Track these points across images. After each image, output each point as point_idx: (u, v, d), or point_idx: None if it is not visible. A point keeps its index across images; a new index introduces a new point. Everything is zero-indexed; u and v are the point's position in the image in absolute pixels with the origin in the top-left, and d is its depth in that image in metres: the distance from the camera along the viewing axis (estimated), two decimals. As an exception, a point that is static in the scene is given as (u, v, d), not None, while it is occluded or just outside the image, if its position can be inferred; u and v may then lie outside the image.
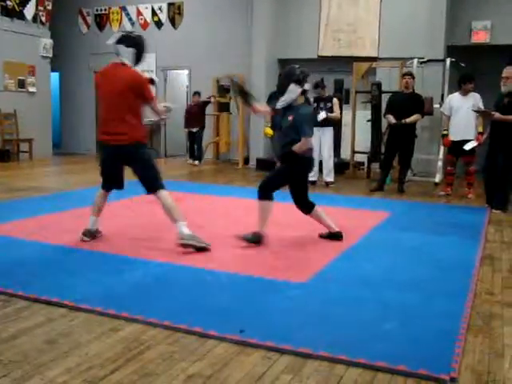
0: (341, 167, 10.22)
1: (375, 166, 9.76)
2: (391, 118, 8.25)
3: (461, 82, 7.84)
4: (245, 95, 5.00)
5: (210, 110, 12.22)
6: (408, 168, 8.78)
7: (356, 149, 10.25)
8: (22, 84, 12.21)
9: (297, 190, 4.98)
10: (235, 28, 12.31)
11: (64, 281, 3.77)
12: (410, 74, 8.43)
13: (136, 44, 4.77)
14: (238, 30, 12.25)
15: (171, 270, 4.08)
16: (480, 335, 3.03)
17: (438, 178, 9.43)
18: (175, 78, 13.98)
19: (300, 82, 4.73)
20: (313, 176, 9.08)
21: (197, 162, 11.84)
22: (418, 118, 8.29)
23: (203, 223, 5.74)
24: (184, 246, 4.58)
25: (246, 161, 11.83)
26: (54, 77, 14.37)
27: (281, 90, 4.82)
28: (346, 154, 10.71)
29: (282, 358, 2.71)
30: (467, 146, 7.60)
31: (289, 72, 4.83)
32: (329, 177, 9.01)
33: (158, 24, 13.47)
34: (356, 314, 3.29)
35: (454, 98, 7.93)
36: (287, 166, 4.89)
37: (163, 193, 4.78)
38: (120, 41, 4.72)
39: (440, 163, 9.56)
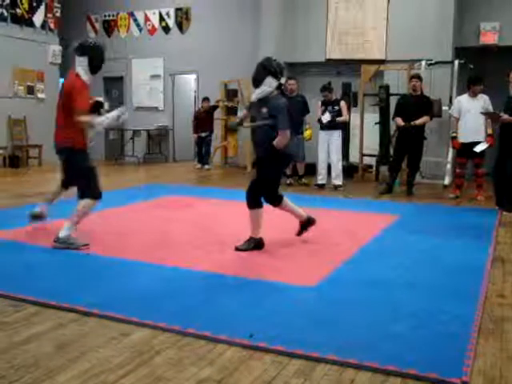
0: (349, 170, 10.21)
1: (384, 169, 9.73)
2: (400, 121, 8.23)
3: (469, 84, 7.81)
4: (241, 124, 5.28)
5: (217, 114, 12.24)
6: (417, 170, 8.75)
7: (364, 152, 10.23)
8: (31, 90, 12.30)
9: (272, 183, 4.94)
10: (242, 32, 12.34)
11: (74, 286, 3.78)
12: (418, 77, 8.41)
13: (88, 53, 4.78)
14: (245, 35, 12.27)
15: (180, 275, 4.08)
16: (491, 338, 3.01)
17: (446, 181, 9.39)
18: (183, 83, 14.03)
19: (276, 74, 4.66)
20: (321, 179, 9.08)
21: (206, 167, 11.85)
22: (427, 120, 8.26)
23: (211, 227, 5.75)
24: (57, 247, 4.74)
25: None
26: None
27: (256, 82, 4.71)
28: (354, 156, 10.69)
29: (292, 362, 2.70)
30: (478, 148, 7.56)
31: (265, 64, 4.71)
32: (337, 180, 9.00)
33: (166, 29, 13.53)
34: (366, 317, 3.27)
35: (463, 100, 7.90)
36: (267, 162, 4.81)
37: (85, 201, 4.87)
38: (75, 49, 4.80)
39: (449, 165, 9.53)
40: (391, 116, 8.88)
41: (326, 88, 8.88)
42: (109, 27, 14.21)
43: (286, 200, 5.01)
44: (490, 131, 7.65)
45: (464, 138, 7.80)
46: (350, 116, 9.90)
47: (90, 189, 4.86)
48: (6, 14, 11.64)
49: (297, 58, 11.58)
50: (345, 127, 9.57)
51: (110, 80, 14.34)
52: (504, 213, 6.76)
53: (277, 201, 4.96)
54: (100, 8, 14.20)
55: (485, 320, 3.27)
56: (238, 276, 4.05)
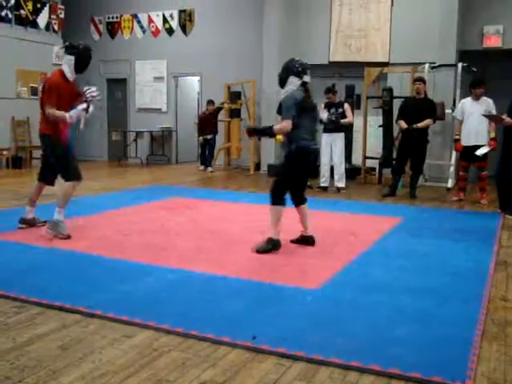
0: (352, 173, 10.20)
1: (387, 172, 9.72)
2: (403, 124, 8.22)
3: (471, 87, 7.82)
4: (261, 132, 5.44)
5: (220, 116, 12.25)
6: (420, 173, 8.74)
7: (367, 154, 10.22)
8: (34, 91, 12.31)
9: (296, 181, 4.95)
10: (246, 34, 12.35)
11: (77, 287, 3.79)
12: (421, 80, 8.41)
13: (76, 53, 5.19)
14: (248, 37, 12.28)
15: (183, 277, 4.09)
16: (495, 342, 3.01)
17: (450, 184, 9.38)
18: (186, 85, 14.05)
19: (299, 73, 4.78)
20: (324, 182, 9.08)
21: (209, 169, 11.85)
22: (430, 122, 8.25)
23: (215, 229, 5.75)
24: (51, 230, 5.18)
25: (257, 167, 11.84)
26: (67, 84, 14.48)
27: (281, 82, 4.88)
28: (357, 159, 10.68)
29: (295, 364, 2.70)
30: (479, 152, 7.55)
31: (288, 64, 4.88)
32: (340, 182, 8.99)
33: (170, 31, 13.54)
34: (369, 320, 3.27)
35: (467, 103, 7.89)
36: (286, 160, 4.86)
37: (66, 183, 5.34)
38: (64, 48, 5.28)
39: (452, 168, 9.51)
40: (394, 119, 8.87)
41: (330, 90, 8.88)
42: (112, 29, 14.23)
43: (305, 207, 5.04)
44: (493, 134, 7.64)
45: (466, 141, 7.80)
46: (353, 118, 9.90)
47: (68, 172, 5.29)
48: (10, 15, 11.66)
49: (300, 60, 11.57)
50: (348, 130, 9.56)
51: (113, 81, 14.37)
52: (507, 216, 6.75)
53: (300, 202, 4.98)
54: (104, 10, 14.22)
55: (488, 323, 3.26)
56: (241, 278, 4.05)
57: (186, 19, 13.33)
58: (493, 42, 10.32)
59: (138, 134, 13.70)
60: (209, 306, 3.45)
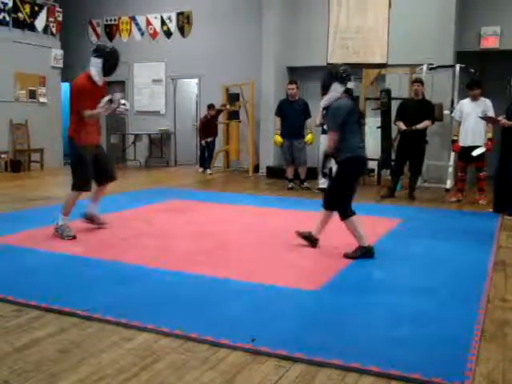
0: (351, 174, 10.18)
1: (385, 173, 9.73)
2: (401, 125, 8.23)
3: (467, 88, 7.84)
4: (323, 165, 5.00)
5: (219, 118, 12.26)
6: (419, 174, 8.74)
7: (366, 156, 10.21)
8: (33, 94, 12.31)
9: (333, 188, 4.84)
10: (244, 36, 12.35)
11: (75, 290, 3.78)
12: (420, 81, 8.41)
13: (104, 55, 5.20)
14: (247, 39, 12.29)
15: (183, 279, 4.08)
16: (494, 342, 3.01)
17: (448, 184, 9.39)
18: (184, 87, 14.05)
19: (343, 80, 4.64)
20: (323, 183, 9.08)
21: (208, 171, 11.84)
22: (428, 124, 8.26)
23: (214, 231, 5.74)
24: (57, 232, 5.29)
25: (256, 169, 11.84)
26: (65, 87, 14.48)
27: (323, 89, 4.74)
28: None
29: (295, 366, 2.70)
30: (475, 152, 7.58)
31: (331, 70, 4.76)
32: (339, 184, 8.98)
33: (167, 33, 13.55)
34: (368, 321, 3.27)
35: (465, 104, 7.91)
36: (339, 171, 4.73)
37: (72, 192, 5.38)
38: (93, 51, 5.26)
39: (451, 169, 9.52)
40: (393, 120, 8.88)
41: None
42: (110, 31, 14.24)
43: (356, 219, 4.75)
44: (490, 135, 7.65)
45: (464, 141, 7.82)
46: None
47: (75, 180, 5.35)
48: (7, 18, 11.65)
49: (298, 62, 11.60)
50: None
51: (111, 84, 14.33)
52: (506, 217, 6.75)
53: (346, 215, 4.75)
54: (102, 12, 14.23)
55: (487, 324, 3.27)
56: (240, 280, 4.05)
57: (184, 21, 13.34)
58: (490, 42, 10.35)
59: (137, 137, 13.71)
60: (208, 308, 3.45)
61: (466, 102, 7.92)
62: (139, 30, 13.88)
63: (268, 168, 11.45)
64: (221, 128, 12.41)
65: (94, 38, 14.44)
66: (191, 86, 14.04)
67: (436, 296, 3.76)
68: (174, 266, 4.40)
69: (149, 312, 3.37)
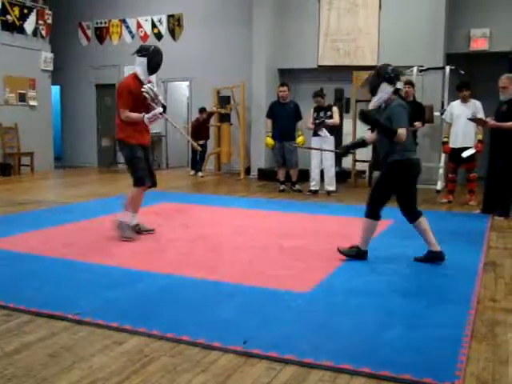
0: (342, 176, 10.23)
1: (377, 175, 9.74)
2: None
3: (457, 90, 7.90)
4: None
5: (211, 121, 12.25)
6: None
7: (357, 157, 10.26)
8: (22, 98, 12.25)
9: (400, 195, 4.70)
10: (235, 39, 12.36)
11: (66, 294, 3.77)
12: (410, 83, 8.45)
13: (148, 54, 5.35)
14: (237, 41, 12.30)
15: (174, 282, 4.07)
16: (484, 342, 3.02)
17: (439, 186, 9.43)
18: (175, 90, 14.03)
19: (392, 80, 4.55)
20: (314, 185, 9.10)
21: (200, 174, 11.83)
22: (419, 125, 8.30)
23: (206, 234, 5.74)
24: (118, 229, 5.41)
25: (248, 171, 11.84)
26: (55, 90, 14.44)
27: (372, 90, 4.67)
28: (347, 162, 10.71)
29: (286, 368, 2.70)
30: (465, 154, 7.62)
31: (379, 71, 4.68)
32: (330, 186, 9.01)
33: (158, 36, 13.53)
34: (359, 322, 3.28)
35: (455, 106, 7.95)
36: (386, 172, 4.65)
37: (132, 189, 5.48)
38: (137, 51, 5.43)
39: (441, 171, 9.57)
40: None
41: (318, 94, 8.92)
42: (101, 34, 14.20)
43: (422, 222, 4.68)
44: (480, 137, 7.70)
45: (454, 143, 7.87)
46: (341, 121, 9.94)
47: (134, 178, 5.43)
48: (-3, 21, 11.62)
49: (289, 64, 11.62)
50: (337, 133, 9.60)
51: (102, 87, 14.32)
52: (495, 217, 6.79)
53: (412, 218, 4.68)
54: (92, 15, 14.18)
55: (478, 324, 3.28)
56: (232, 283, 4.05)
57: (175, 24, 13.33)
58: (479, 44, 10.42)
59: (128, 140, 13.65)
60: (200, 311, 3.44)
61: (456, 103, 7.96)
62: (129, 32, 13.85)
63: (259, 170, 11.46)
64: (212, 131, 12.40)
65: (84, 41, 14.41)
66: (182, 88, 14.03)
67: (427, 297, 3.77)
68: (166, 269, 4.39)
69: (140, 315, 3.36)
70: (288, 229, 6.11)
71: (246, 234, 5.81)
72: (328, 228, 6.20)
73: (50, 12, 12.89)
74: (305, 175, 9.91)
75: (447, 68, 9.73)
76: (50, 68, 12.94)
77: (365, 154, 10.17)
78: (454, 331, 3.12)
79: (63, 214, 6.97)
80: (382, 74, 4.59)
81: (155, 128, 13.65)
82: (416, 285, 4.07)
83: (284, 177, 9.48)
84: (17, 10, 12.03)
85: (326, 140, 8.86)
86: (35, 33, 12.52)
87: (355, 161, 10.28)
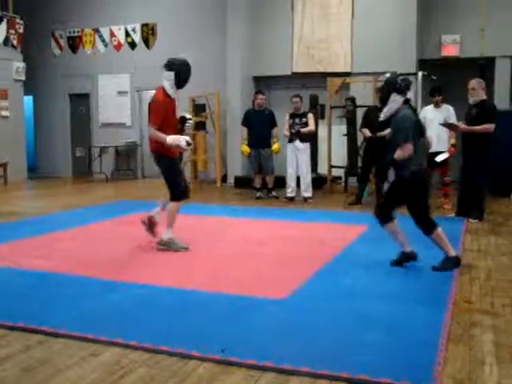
0: (318, 182, 10.27)
1: (352, 180, 9.82)
2: (367, 132, 8.34)
3: (429, 95, 8.01)
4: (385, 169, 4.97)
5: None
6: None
7: (333, 163, 10.31)
8: (-5, 108, 12.09)
9: (411, 207, 4.69)
10: (209, 47, 12.37)
11: (41, 306, 3.70)
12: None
13: (175, 68, 5.26)
14: (212, 49, 12.30)
15: (150, 292, 4.03)
16: (461, 344, 3.05)
17: (414, 190, 9.50)
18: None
19: (402, 90, 4.54)
20: (291, 192, 9.12)
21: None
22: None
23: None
24: (161, 249, 5.32)
25: (224, 179, 11.83)
26: (28, 100, 14.26)
27: (383, 100, 4.66)
28: (323, 168, 10.76)
29: (265, 375, 2.69)
30: (438, 158, 7.71)
31: (390, 81, 4.67)
32: (307, 192, 9.04)
33: (132, 45, 13.47)
34: (336, 328, 3.29)
35: (428, 111, 8.06)
36: (396, 181, 4.60)
37: (171, 203, 5.40)
38: (164, 65, 5.35)
39: (416, 175, 9.65)
40: (358, 128, 8.98)
41: (297, 95, 8.97)
42: (74, 43, 14.07)
43: (439, 231, 4.62)
44: (452, 141, 7.81)
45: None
46: (317, 128, 9.99)
47: (172, 191, 5.36)
48: (-33, 31, 11.46)
49: (263, 71, 11.67)
50: (313, 139, 9.65)
51: (76, 97, 14.20)
52: (470, 220, 6.88)
53: (430, 228, 4.63)
54: (64, 24, 14.04)
55: (454, 326, 3.31)
56: (209, 291, 4.02)
57: (149, 33, 13.29)
58: (450, 50, 10.60)
59: (103, 149, 13.55)
60: (177, 321, 3.42)
61: (429, 108, 8.07)
62: (103, 41, 13.76)
63: (236, 178, 11.45)
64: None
65: (56, 50, 14.26)
66: (157, 97, 13.95)
67: (403, 300, 3.80)
68: (142, 279, 4.34)
69: (117, 326, 3.32)
70: (265, 236, 6.10)
71: (223, 242, 5.79)
72: (305, 234, 6.21)
73: (21, 21, 12.75)
74: (281, 182, 9.92)
75: (420, 74, 9.85)
76: (23, 78, 12.79)
77: (340, 160, 10.24)
78: (430, 333, 3.15)
79: (37, 225, 6.87)
80: (392, 84, 4.59)
81: (130, 137, 13.60)
82: (392, 288, 4.09)
83: (260, 184, 9.48)
84: (-13, 20, 11.89)
85: (303, 146, 8.89)
86: (6, 42, 12.38)
87: (331, 167, 10.34)
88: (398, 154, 4.44)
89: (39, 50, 14.02)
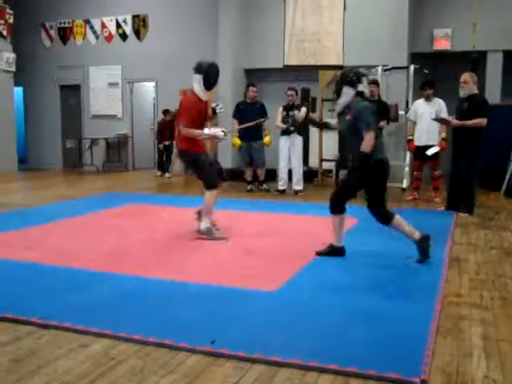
0: (309, 175, 10.28)
1: (343, 173, 9.83)
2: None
3: (420, 89, 8.03)
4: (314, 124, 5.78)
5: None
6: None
7: (324, 157, 10.32)
8: (-16, 100, 11.99)
9: (370, 198, 4.71)
10: (200, 39, 12.32)
11: (30, 298, 3.69)
12: (375, 83, 8.54)
13: (203, 71, 5.41)
14: (203, 42, 12.25)
15: (140, 284, 4.03)
16: (449, 337, 3.07)
17: (405, 184, 9.56)
18: (141, 91, 13.90)
19: (353, 83, 4.65)
20: (282, 185, 9.13)
21: (167, 175, 11.77)
22: (384, 124, 8.39)
23: (173, 235, 5.70)
24: (201, 237, 5.50)
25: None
26: (18, 91, 14.15)
27: (336, 93, 4.79)
28: (314, 162, 10.77)
29: (254, 367, 2.70)
30: (429, 152, 7.75)
31: (342, 75, 4.82)
32: (298, 185, 9.05)
33: (123, 36, 13.40)
34: (326, 320, 3.30)
35: (419, 104, 8.08)
36: (356, 172, 4.62)
37: (206, 192, 5.63)
38: (194, 68, 5.46)
39: (407, 169, 9.70)
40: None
41: (292, 88, 8.98)
42: (64, 34, 13.98)
43: (399, 219, 4.70)
44: (443, 135, 7.83)
45: (418, 141, 8.00)
46: (309, 121, 9.99)
47: (205, 181, 5.64)
48: (-44, 21, 11.34)
49: (255, 64, 11.63)
50: (305, 131, 9.65)
51: (66, 88, 14.12)
52: (460, 214, 6.91)
53: (388, 218, 4.68)
54: (55, 15, 13.95)
55: (443, 319, 3.33)
56: (199, 283, 4.02)
57: (140, 24, 13.22)
58: (442, 44, 10.62)
59: (93, 141, 13.49)
60: (167, 312, 3.42)
61: (420, 102, 8.09)
62: (94, 32, 13.68)
63: (226, 170, 11.41)
64: (179, 131, 12.32)
65: (47, 42, 14.17)
66: (148, 89, 13.91)
67: (392, 293, 3.81)
68: (131, 271, 4.34)
69: (106, 318, 3.32)
70: (255, 228, 6.11)
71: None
72: (295, 227, 6.23)
73: (11, 11, 12.63)
74: (272, 175, 9.94)
75: (411, 67, 9.88)
76: (13, 69, 12.69)
77: (331, 153, 10.25)
78: (419, 326, 3.17)
79: (26, 216, 6.84)
80: (343, 78, 4.74)
81: (121, 129, 13.55)
82: (381, 281, 4.10)
83: (251, 176, 9.48)
84: (-24, 10, 11.77)
85: (294, 140, 8.90)
86: (-4, 33, 12.27)
87: (322, 160, 10.34)
88: (365, 144, 4.49)
89: (29, 40, 13.92)
